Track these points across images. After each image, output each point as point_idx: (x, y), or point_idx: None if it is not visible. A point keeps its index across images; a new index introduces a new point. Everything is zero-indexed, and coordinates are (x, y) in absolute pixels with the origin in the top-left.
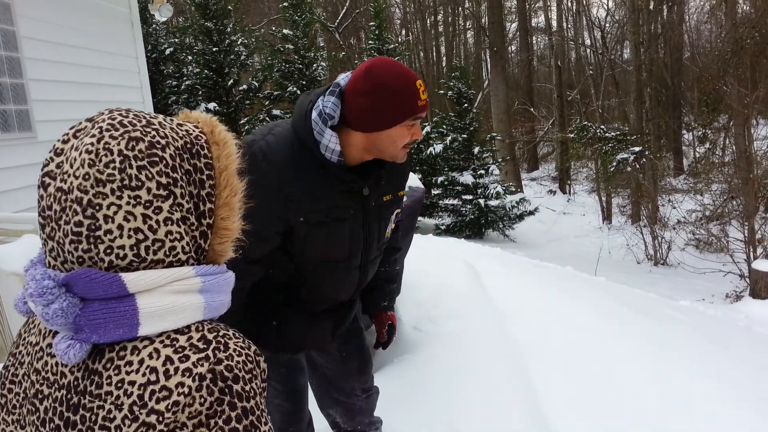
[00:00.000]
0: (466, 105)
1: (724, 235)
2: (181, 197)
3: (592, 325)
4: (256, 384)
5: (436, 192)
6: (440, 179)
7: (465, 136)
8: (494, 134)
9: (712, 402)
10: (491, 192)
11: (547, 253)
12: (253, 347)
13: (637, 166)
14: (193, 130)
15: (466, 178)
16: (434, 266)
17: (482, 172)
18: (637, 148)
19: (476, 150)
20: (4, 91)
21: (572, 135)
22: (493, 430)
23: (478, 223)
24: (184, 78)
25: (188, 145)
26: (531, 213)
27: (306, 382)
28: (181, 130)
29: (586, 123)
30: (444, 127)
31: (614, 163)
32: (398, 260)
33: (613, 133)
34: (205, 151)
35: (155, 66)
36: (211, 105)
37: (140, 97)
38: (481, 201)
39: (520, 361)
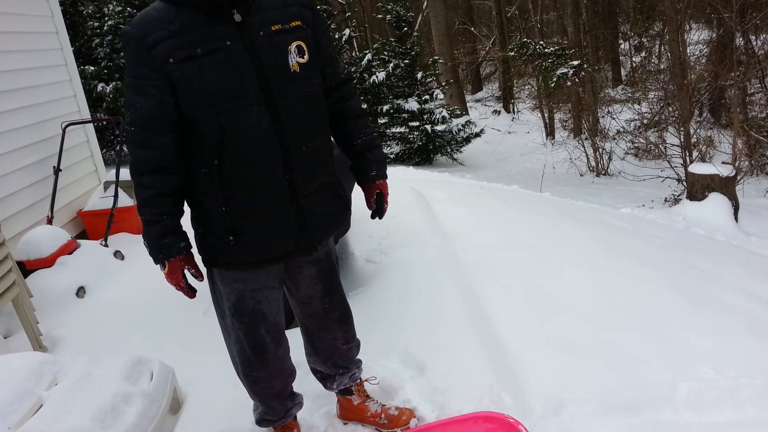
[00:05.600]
0: (405, 29)
1: (661, 142)
2: None
3: (537, 241)
4: None
5: (383, 121)
6: (385, 108)
7: (407, 61)
8: (436, 57)
9: (654, 304)
10: (437, 117)
11: (495, 173)
12: None
13: (577, 79)
14: None
15: (412, 104)
16: None
17: (427, 97)
18: (576, 62)
19: (419, 75)
20: None
21: (513, 53)
22: (447, 351)
23: (426, 150)
24: (106, 18)
25: None
26: (477, 135)
27: (264, 335)
28: None
29: (525, 40)
30: (385, 53)
31: (554, 79)
32: (369, 127)
33: (552, 48)
34: None
35: (72, 7)
36: None
37: (58, 43)
38: (428, 127)
39: (470, 284)
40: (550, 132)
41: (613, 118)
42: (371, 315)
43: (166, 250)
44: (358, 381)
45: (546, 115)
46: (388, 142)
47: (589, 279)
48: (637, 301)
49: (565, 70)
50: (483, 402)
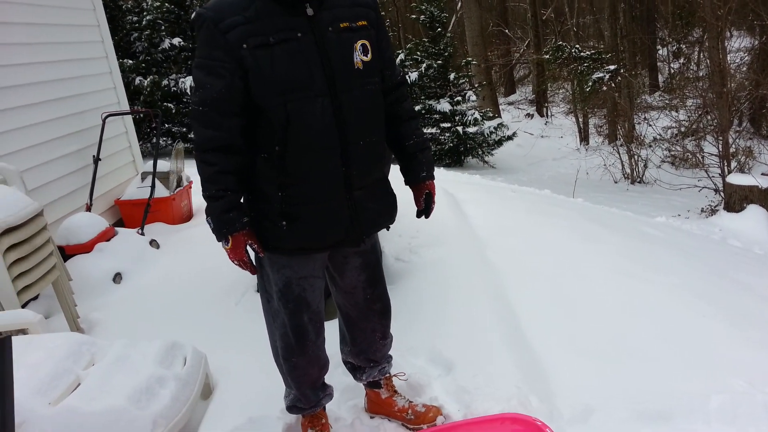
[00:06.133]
0: (439, 29)
1: (699, 151)
2: None
3: (569, 246)
4: None
5: None
6: (417, 108)
7: (440, 62)
8: (470, 59)
9: (687, 315)
10: (469, 119)
11: (526, 177)
12: None
13: (613, 84)
14: None
15: (443, 105)
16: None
17: (459, 98)
18: (612, 67)
19: (452, 76)
20: None
21: (547, 56)
22: (475, 351)
23: (457, 151)
24: (145, 13)
25: None
26: (509, 138)
27: (307, 323)
28: None
29: (560, 43)
30: (418, 53)
31: (590, 83)
32: (420, 129)
33: (588, 52)
34: None
35: (112, 1)
36: (176, 41)
37: (99, 36)
38: (459, 128)
39: (499, 286)
40: (584, 137)
41: (650, 125)
42: (400, 313)
43: (230, 224)
44: (387, 375)
45: (580, 119)
46: None
47: (621, 286)
48: (670, 311)
49: (601, 75)
50: (510, 403)
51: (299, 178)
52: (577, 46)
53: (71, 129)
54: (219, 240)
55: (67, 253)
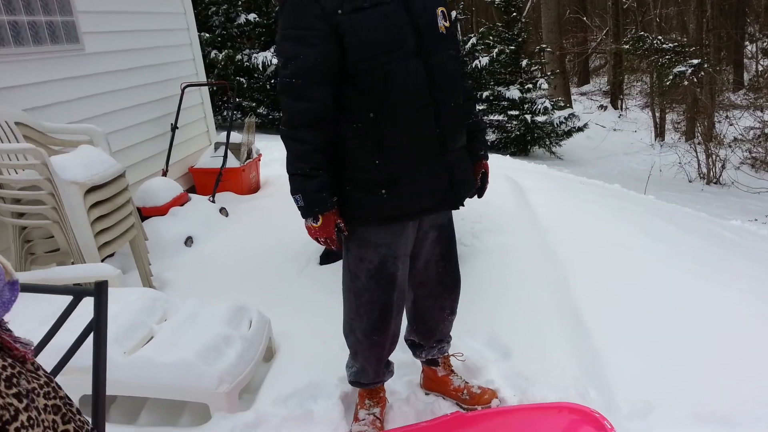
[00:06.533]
0: (514, 14)
1: None
2: None
3: (637, 243)
4: None
5: (481, 108)
6: (485, 94)
7: (513, 47)
8: (544, 46)
9: (759, 322)
10: (539, 107)
11: (595, 170)
12: None
13: (695, 79)
14: None
15: (513, 92)
16: None
17: (530, 86)
18: (695, 61)
19: (524, 63)
20: (50, 2)
21: (627, 46)
22: (533, 339)
23: (524, 140)
24: None
25: None
26: (580, 129)
27: (395, 301)
28: None
29: (642, 33)
30: (491, 38)
31: (670, 77)
32: (477, 109)
33: (670, 45)
34: None
35: None
36: (251, 16)
37: (182, 8)
38: (528, 117)
39: (562, 277)
40: (659, 133)
41: (731, 124)
42: (461, 295)
43: (323, 204)
44: (446, 354)
45: (657, 114)
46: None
47: (690, 286)
48: (740, 315)
49: (683, 69)
50: (568, 393)
51: (396, 141)
52: (659, 37)
53: (153, 97)
54: (307, 217)
55: (143, 214)
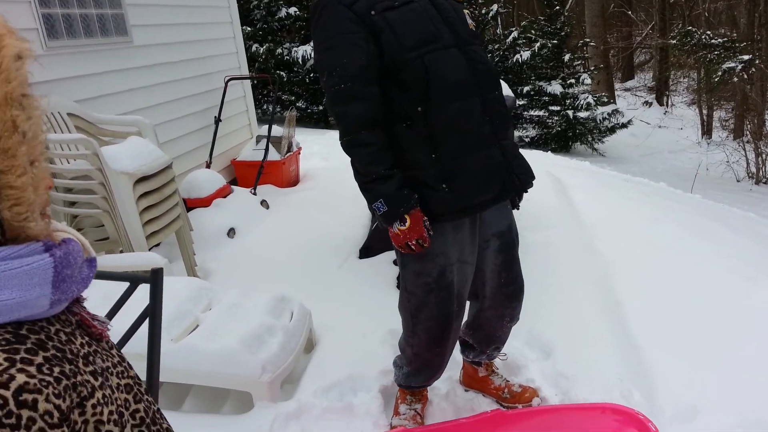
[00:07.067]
0: (557, 7)
1: None
2: None
3: (683, 242)
4: None
5: (521, 103)
6: (526, 89)
7: (555, 42)
8: (587, 40)
9: None
10: (581, 103)
11: (639, 168)
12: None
13: (745, 76)
14: None
15: (555, 87)
16: None
17: (572, 81)
18: (746, 57)
19: (567, 57)
20: None
21: (674, 41)
22: (575, 339)
23: (565, 136)
24: None
25: None
26: (623, 126)
27: (455, 310)
28: None
29: (690, 28)
30: (533, 32)
31: (719, 73)
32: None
33: (720, 40)
34: None
35: None
36: (292, 10)
37: (226, 2)
38: (570, 112)
39: (606, 276)
40: (706, 130)
41: None
42: None
43: (407, 201)
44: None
45: (704, 111)
46: (525, 125)
47: (737, 288)
48: None
49: (733, 65)
50: (611, 394)
51: (449, 133)
52: (708, 32)
53: (198, 89)
54: (392, 222)
55: (187, 205)
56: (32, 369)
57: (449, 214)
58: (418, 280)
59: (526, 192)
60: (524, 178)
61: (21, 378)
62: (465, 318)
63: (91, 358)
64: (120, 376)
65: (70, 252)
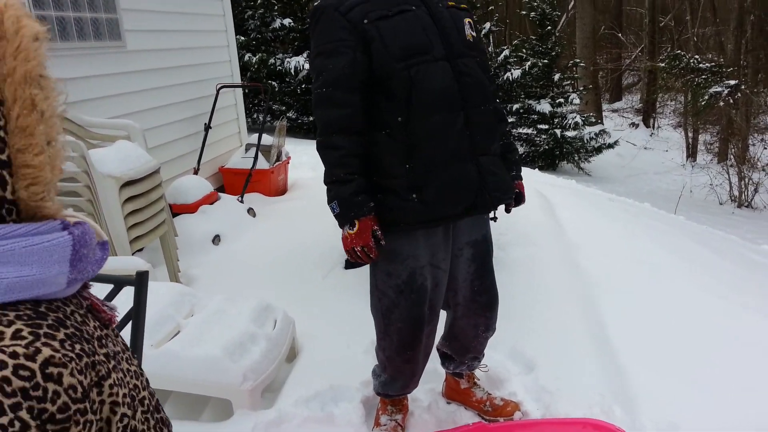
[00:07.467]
0: (549, 27)
1: None
2: None
3: (665, 262)
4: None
5: (511, 120)
6: (516, 107)
7: (545, 61)
8: (577, 60)
9: None
10: (569, 122)
11: (624, 188)
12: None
13: (731, 100)
14: None
15: (544, 106)
16: None
17: (561, 100)
18: (732, 82)
19: (556, 77)
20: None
21: (663, 64)
22: (558, 354)
23: (552, 155)
24: None
25: None
26: (610, 146)
27: (426, 313)
28: None
29: (678, 52)
30: (524, 51)
31: (706, 97)
32: (509, 131)
33: (707, 64)
34: None
35: None
36: (286, 21)
37: (221, 10)
38: (558, 131)
39: (589, 294)
40: (691, 153)
41: (766, 148)
42: None
43: (359, 207)
44: (474, 370)
45: (690, 134)
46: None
47: (718, 309)
48: None
49: (719, 89)
50: (593, 410)
51: (426, 145)
52: (696, 56)
53: (189, 96)
54: (343, 225)
55: (173, 211)
56: (56, 344)
57: (418, 224)
58: (389, 280)
59: (495, 213)
60: (498, 195)
61: (47, 351)
62: (442, 330)
63: (103, 341)
64: (128, 362)
65: (87, 232)
